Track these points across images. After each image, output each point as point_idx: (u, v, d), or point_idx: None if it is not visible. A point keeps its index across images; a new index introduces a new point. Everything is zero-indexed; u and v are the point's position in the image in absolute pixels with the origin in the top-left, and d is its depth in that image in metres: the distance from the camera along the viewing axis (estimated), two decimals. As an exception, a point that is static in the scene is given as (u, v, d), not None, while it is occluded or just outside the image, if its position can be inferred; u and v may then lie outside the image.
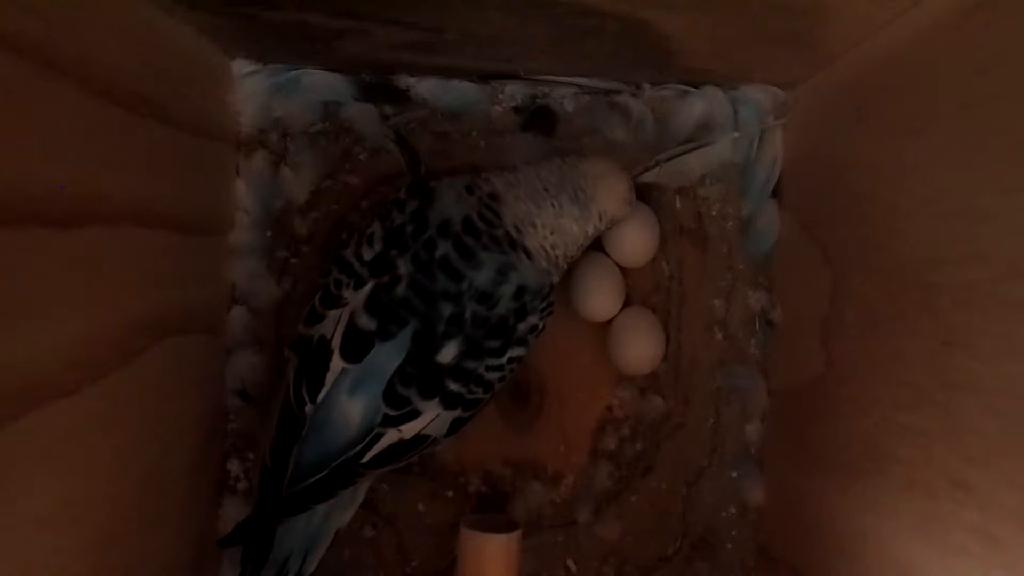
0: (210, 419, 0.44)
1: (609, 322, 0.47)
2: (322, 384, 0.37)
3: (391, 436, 0.38)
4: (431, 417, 0.38)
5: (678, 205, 0.48)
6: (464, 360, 0.38)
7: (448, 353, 0.37)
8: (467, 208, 0.38)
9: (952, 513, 0.29)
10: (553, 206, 0.39)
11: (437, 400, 0.38)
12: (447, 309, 0.37)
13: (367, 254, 0.38)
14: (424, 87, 0.46)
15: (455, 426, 0.39)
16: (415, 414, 0.38)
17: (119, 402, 0.33)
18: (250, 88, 0.45)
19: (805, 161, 0.44)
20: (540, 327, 0.40)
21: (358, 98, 0.46)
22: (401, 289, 0.37)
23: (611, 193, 0.41)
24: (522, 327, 0.39)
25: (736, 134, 0.46)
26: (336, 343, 0.38)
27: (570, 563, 0.48)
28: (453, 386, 0.38)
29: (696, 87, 0.46)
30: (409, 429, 0.38)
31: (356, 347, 0.37)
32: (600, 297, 0.46)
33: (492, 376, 0.39)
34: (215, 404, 0.45)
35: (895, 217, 0.34)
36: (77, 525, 0.30)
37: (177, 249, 0.39)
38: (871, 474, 0.35)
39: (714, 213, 0.48)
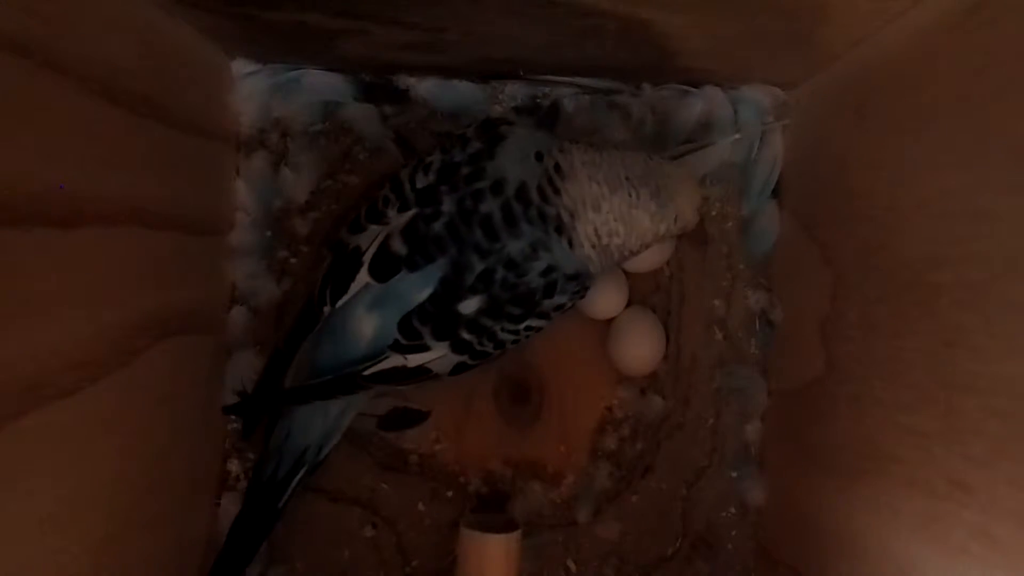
0: (210, 419, 0.44)
1: (609, 322, 0.47)
2: (345, 291, 0.38)
3: (395, 360, 0.38)
4: (438, 355, 0.38)
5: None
6: (483, 317, 0.37)
7: (470, 306, 0.37)
8: (527, 174, 0.37)
9: (952, 513, 0.29)
10: (630, 195, 0.38)
11: (448, 343, 0.38)
12: (478, 264, 0.37)
13: (420, 181, 0.38)
14: (424, 87, 0.46)
15: (458, 368, 0.39)
16: (424, 348, 0.38)
17: (119, 402, 0.33)
18: (250, 88, 0.45)
19: (805, 161, 0.44)
20: (568, 306, 0.40)
21: (358, 98, 0.46)
22: (439, 226, 0.37)
23: (690, 200, 0.40)
24: (547, 303, 0.38)
25: (737, 135, 0.46)
26: (367, 258, 0.38)
27: (570, 563, 0.48)
28: (466, 335, 0.38)
29: (696, 87, 0.46)
30: (414, 359, 0.38)
31: (384, 268, 0.37)
32: (604, 296, 0.46)
33: (506, 337, 0.39)
34: (215, 404, 0.45)
35: (895, 217, 0.34)
36: (77, 525, 0.30)
37: (177, 249, 0.39)
38: (871, 474, 0.35)
39: (714, 213, 0.48)
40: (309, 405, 0.42)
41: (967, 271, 0.29)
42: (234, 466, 0.46)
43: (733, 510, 0.48)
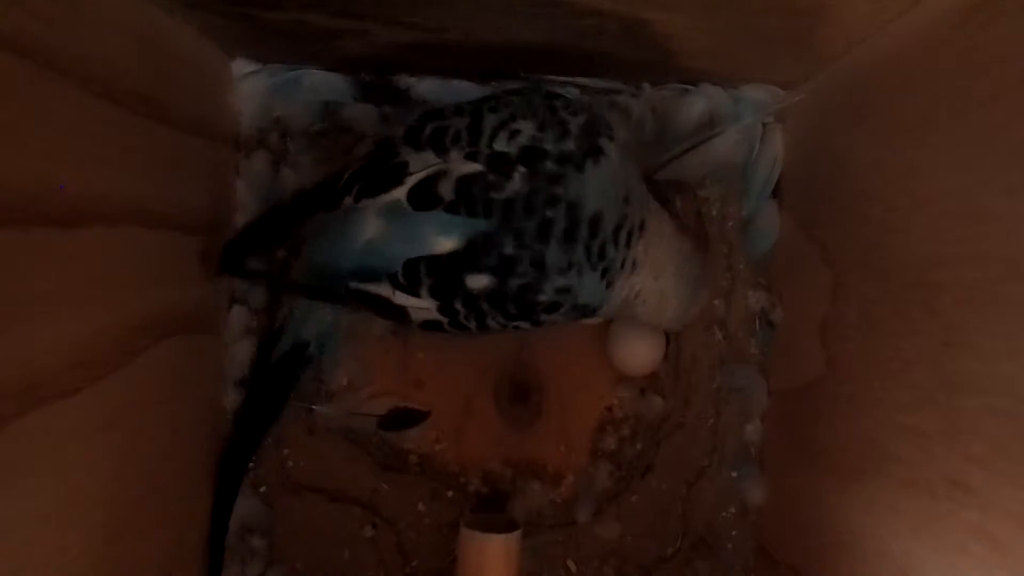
0: (210, 419, 0.44)
1: (608, 323, 0.47)
2: (374, 195, 0.36)
3: (385, 290, 0.37)
4: (423, 307, 0.37)
5: (678, 205, 0.48)
6: (482, 298, 0.36)
7: (478, 282, 0.36)
8: (607, 208, 0.36)
9: (952, 513, 0.29)
10: (677, 284, 0.39)
11: (438, 303, 0.37)
12: (510, 249, 0.35)
13: (500, 143, 0.35)
14: (424, 87, 0.46)
15: (431, 326, 0.38)
16: (414, 294, 0.37)
17: (119, 402, 0.33)
18: (250, 88, 0.45)
19: (805, 161, 0.44)
20: (557, 321, 0.39)
21: (358, 98, 0.46)
22: (497, 196, 0.35)
23: (700, 308, 0.43)
24: (544, 316, 0.38)
25: (749, 120, 0.46)
26: (411, 181, 0.36)
27: (570, 563, 0.48)
28: (458, 306, 0.37)
29: (696, 87, 0.46)
30: (401, 299, 0.37)
31: (423, 200, 0.35)
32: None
33: (491, 324, 0.38)
34: (215, 404, 0.45)
35: (895, 217, 0.34)
36: (77, 525, 0.30)
37: (177, 249, 0.39)
38: (871, 474, 0.35)
39: (714, 213, 0.48)
40: (305, 308, 0.42)
41: (967, 271, 0.29)
42: (234, 466, 0.46)
43: (733, 510, 0.48)
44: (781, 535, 0.45)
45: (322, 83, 0.46)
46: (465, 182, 0.35)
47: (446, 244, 0.35)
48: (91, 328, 0.31)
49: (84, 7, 0.30)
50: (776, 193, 0.47)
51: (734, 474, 0.48)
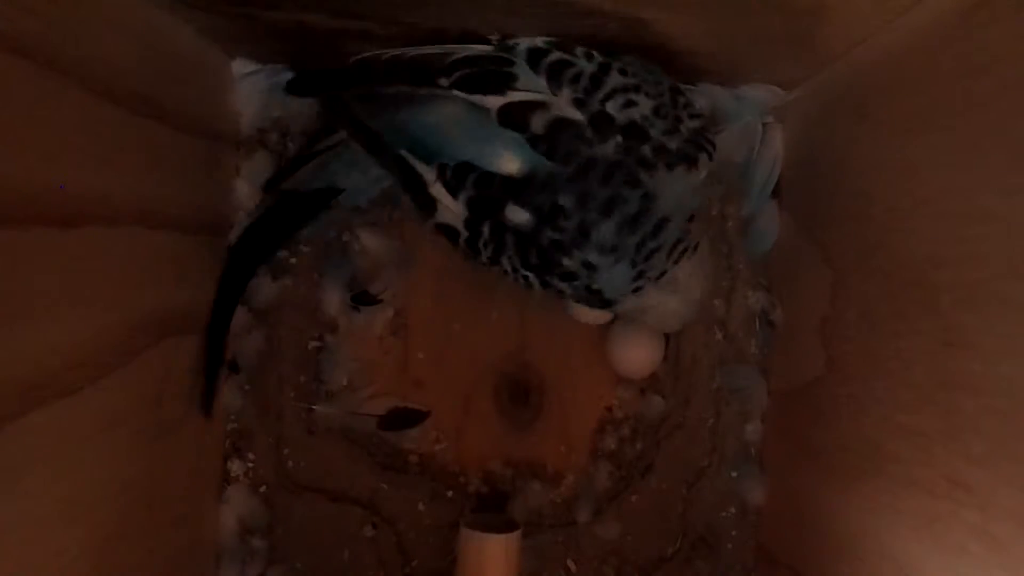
0: (210, 419, 0.44)
1: (609, 324, 0.47)
2: (470, 90, 0.35)
3: (427, 174, 0.36)
4: (453, 209, 0.36)
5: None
6: (509, 233, 0.35)
7: (516, 216, 0.35)
8: (675, 220, 0.36)
9: (952, 513, 0.29)
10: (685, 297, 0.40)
11: (466, 217, 0.36)
12: (566, 202, 0.34)
13: (612, 105, 0.34)
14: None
15: (447, 231, 0.37)
16: (452, 195, 0.36)
17: (119, 402, 0.33)
18: (250, 88, 0.45)
19: (805, 161, 0.44)
20: (563, 293, 0.38)
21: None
22: (584, 150, 0.34)
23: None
24: (555, 281, 0.37)
25: (749, 119, 0.46)
26: (511, 96, 0.34)
27: (570, 563, 0.48)
28: (484, 229, 0.36)
29: (696, 87, 0.46)
30: (437, 192, 0.36)
31: (512, 119, 0.34)
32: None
33: (504, 264, 0.37)
34: (215, 404, 0.45)
35: (895, 217, 0.34)
36: (77, 525, 0.30)
37: (177, 249, 0.39)
38: (871, 474, 0.35)
39: (714, 213, 0.48)
40: (353, 153, 0.41)
41: (967, 271, 0.29)
42: (234, 466, 0.46)
43: (733, 510, 0.48)
44: (781, 535, 0.45)
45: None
46: (560, 125, 0.34)
47: (508, 166, 0.35)
48: (91, 328, 0.31)
49: (84, 7, 0.30)
50: (776, 193, 0.47)
51: (734, 474, 0.48)
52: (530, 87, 0.35)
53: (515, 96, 0.34)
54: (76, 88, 0.29)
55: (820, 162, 0.43)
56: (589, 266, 0.35)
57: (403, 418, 0.47)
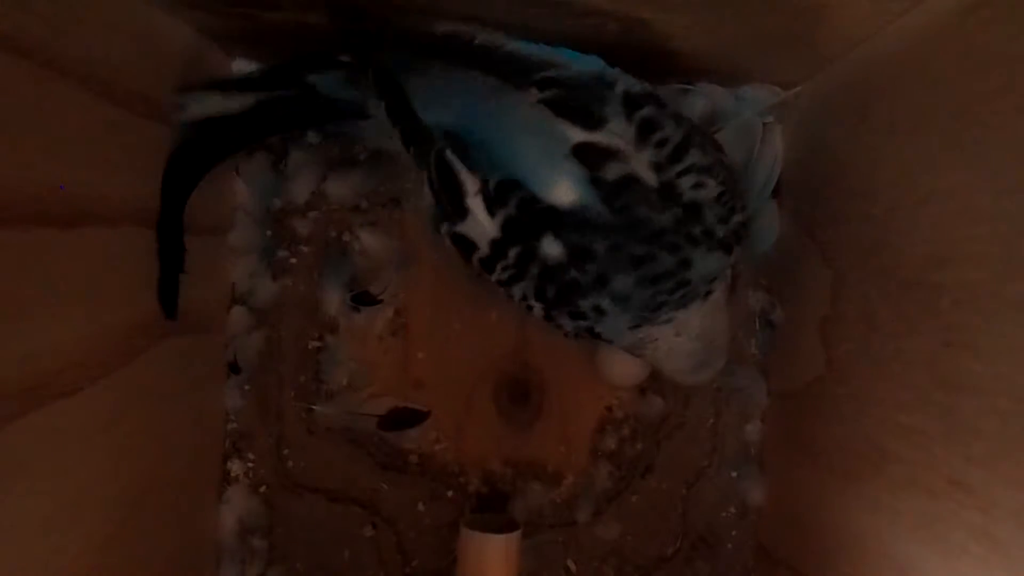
0: (210, 419, 0.44)
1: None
2: (557, 112, 0.34)
3: (467, 180, 0.35)
4: (483, 224, 0.35)
5: None
6: (534, 265, 0.35)
7: (551, 249, 0.34)
8: (699, 286, 0.36)
9: (952, 513, 0.29)
10: (692, 356, 0.38)
11: (498, 236, 0.35)
12: (599, 248, 0.34)
13: (685, 180, 0.34)
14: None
15: (462, 243, 0.36)
16: (488, 211, 0.34)
17: (119, 402, 0.33)
18: (250, 88, 0.45)
19: (805, 161, 0.44)
20: (563, 326, 0.38)
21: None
22: (639, 210, 0.33)
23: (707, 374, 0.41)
24: (561, 318, 0.36)
25: (743, 117, 0.46)
26: (593, 136, 0.34)
27: (570, 563, 0.48)
28: (512, 252, 0.35)
29: (696, 86, 0.46)
30: (474, 202, 0.35)
31: (585, 157, 0.34)
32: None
33: (516, 290, 0.36)
34: (215, 404, 0.45)
35: (895, 217, 0.34)
36: (77, 525, 0.30)
37: (177, 249, 0.39)
38: (871, 474, 0.35)
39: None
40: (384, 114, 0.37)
41: (967, 271, 0.29)
42: (234, 466, 0.46)
43: (733, 510, 0.48)
44: (781, 535, 0.45)
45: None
46: (630, 181, 0.34)
47: (563, 196, 0.34)
48: (91, 328, 0.31)
49: (84, 7, 0.30)
50: (776, 193, 0.47)
51: (734, 474, 0.48)
52: (617, 133, 0.34)
53: (600, 138, 0.34)
54: (76, 88, 0.29)
55: (820, 162, 0.43)
56: (599, 311, 0.35)
57: (403, 418, 0.47)
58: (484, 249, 0.36)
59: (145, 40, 0.35)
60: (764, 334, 0.48)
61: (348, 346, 0.47)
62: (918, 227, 0.32)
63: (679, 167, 0.34)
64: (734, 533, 0.48)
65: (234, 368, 0.46)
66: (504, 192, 0.34)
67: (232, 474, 0.46)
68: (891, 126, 0.35)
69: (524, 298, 0.36)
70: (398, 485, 0.47)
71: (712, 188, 0.35)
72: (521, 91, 0.35)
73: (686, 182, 0.34)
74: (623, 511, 0.48)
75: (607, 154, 0.34)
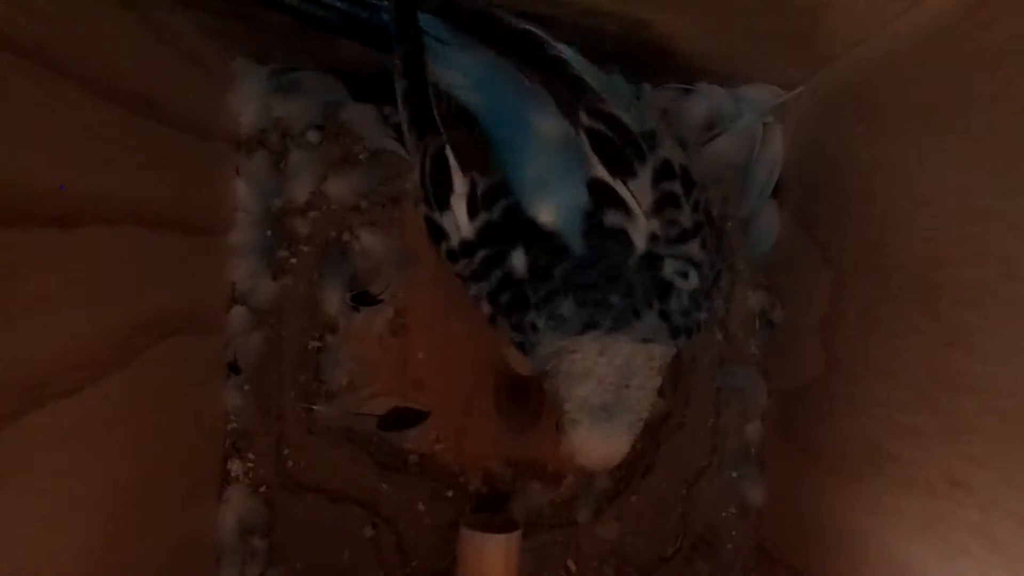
0: (210, 419, 0.44)
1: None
2: (595, 149, 0.33)
3: (459, 187, 0.34)
4: (459, 220, 0.34)
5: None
6: (496, 269, 0.34)
7: (517, 260, 0.34)
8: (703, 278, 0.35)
9: (952, 513, 0.29)
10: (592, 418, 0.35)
11: (471, 237, 0.34)
12: (558, 272, 0.33)
13: (672, 265, 0.34)
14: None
15: (434, 230, 0.36)
16: (471, 211, 0.34)
17: (119, 402, 0.33)
18: (250, 88, 0.45)
19: (805, 161, 0.44)
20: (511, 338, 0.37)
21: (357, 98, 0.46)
22: (614, 265, 0.33)
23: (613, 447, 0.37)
24: (506, 326, 0.36)
25: (743, 120, 0.46)
26: (626, 185, 0.33)
27: (570, 563, 0.48)
28: (480, 253, 0.34)
29: (696, 87, 0.46)
30: (458, 198, 0.34)
31: (600, 198, 0.33)
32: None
33: (475, 289, 0.35)
34: (215, 404, 0.45)
35: (895, 217, 0.34)
36: (77, 525, 0.30)
37: (177, 249, 0.39)
38: (871, 474, 0.35)
39: (714, 213, 0.48)
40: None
41: (967, 271, 0.29)
42: (234, 466, 0.46)
43: (733, 510, 0.48)
44: (781, 535, 0.45)
45: (322, 83, 0.46)
46: (622, 236, 0.33)
47: (546, 214, 0.33)
48: (91, 328, 0.31)
49: (84, 7, 0.30)
50: (776, 193, 0.47)
51: (734, 474, 0.48)
52: (638, 193, 0.33)
53: (621, 189, 0.33)
54: (76, 88, 0.29)
55: (820, 162, 0.43)
56: (533, 328, 0.35)
57: (403, 418, 0.47)
58: (454, 243, 0.35)
59: (145, 40, 0.35)
60: (764, 334, 0.48)
61: (348, 346, 0.47)
62: (918, 227, 0.32)
63: (672, 250, 0.34)
64: (734, 533, 0.48)
65: (234, 368, 0.46)
66: (494, 195, 0.34)
67: (232, 474, 0.46)
68: (891, 126, 0.35)
69: (478, 294, 0.36)
70: (398, 485, 0.47)
71: (691, 281, 0.34)
72: (566, 105, 0.34)
73: (671, 265, 0.34)
74: (623, 511, 0.48)
75: (617, 203, 0.33)
